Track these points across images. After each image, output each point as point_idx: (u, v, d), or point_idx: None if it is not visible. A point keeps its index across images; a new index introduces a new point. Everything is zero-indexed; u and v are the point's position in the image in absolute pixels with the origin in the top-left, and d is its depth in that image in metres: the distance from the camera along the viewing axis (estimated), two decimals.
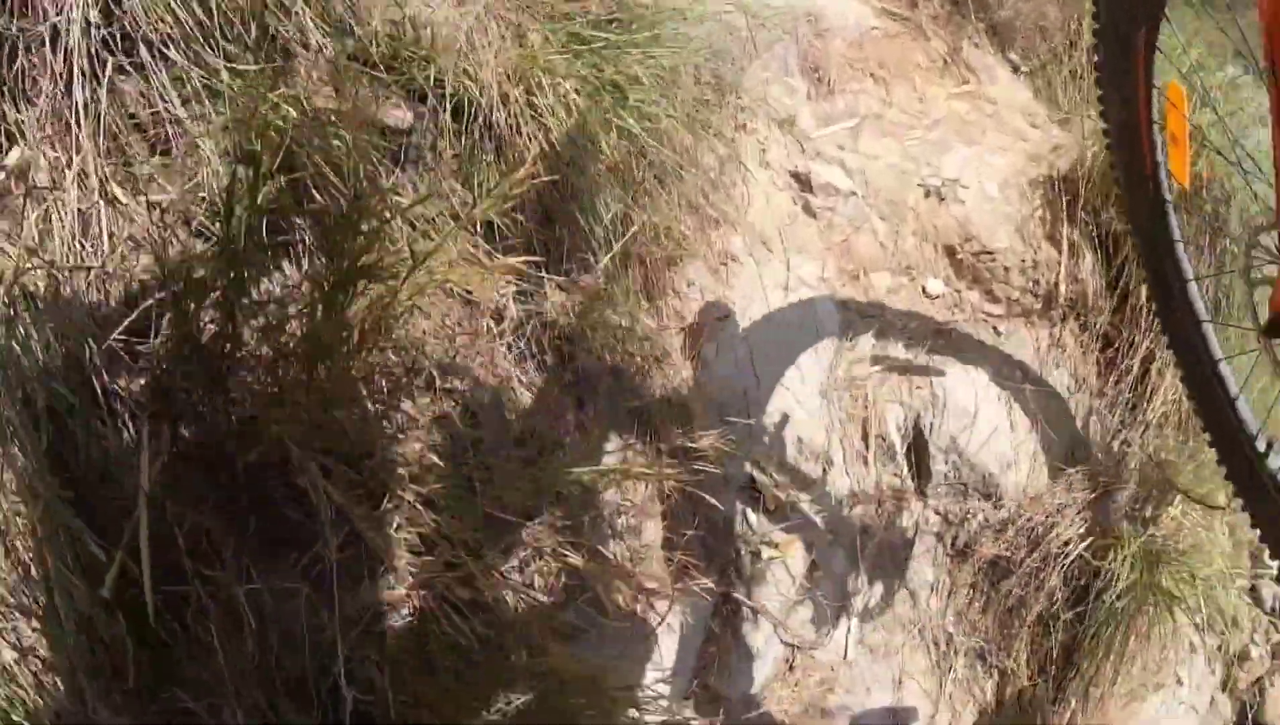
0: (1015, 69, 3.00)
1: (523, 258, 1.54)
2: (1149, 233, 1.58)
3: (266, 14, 1.38)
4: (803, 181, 2.34)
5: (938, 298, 2.26)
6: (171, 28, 1.28)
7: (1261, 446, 1.39)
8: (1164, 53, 1.37)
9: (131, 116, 1.33)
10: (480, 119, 1.61)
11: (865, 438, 2.09)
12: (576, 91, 1.70)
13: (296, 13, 1.41)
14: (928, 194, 2.41)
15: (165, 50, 1.30)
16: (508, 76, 1.64)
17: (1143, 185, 1.50)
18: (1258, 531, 1.42)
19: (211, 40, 1.32)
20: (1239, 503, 1.48)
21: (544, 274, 1.71)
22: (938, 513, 2.13)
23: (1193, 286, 1.54)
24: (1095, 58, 1.48)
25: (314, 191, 1.37)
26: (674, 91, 1.98)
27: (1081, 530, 2.09)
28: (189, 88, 1.33)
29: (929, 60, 2.87)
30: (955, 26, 3.00)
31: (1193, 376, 1.60)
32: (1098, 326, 2.30)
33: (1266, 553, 1.40)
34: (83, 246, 1.22)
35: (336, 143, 1.38)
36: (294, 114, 1.32)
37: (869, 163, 2.46)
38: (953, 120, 2.69)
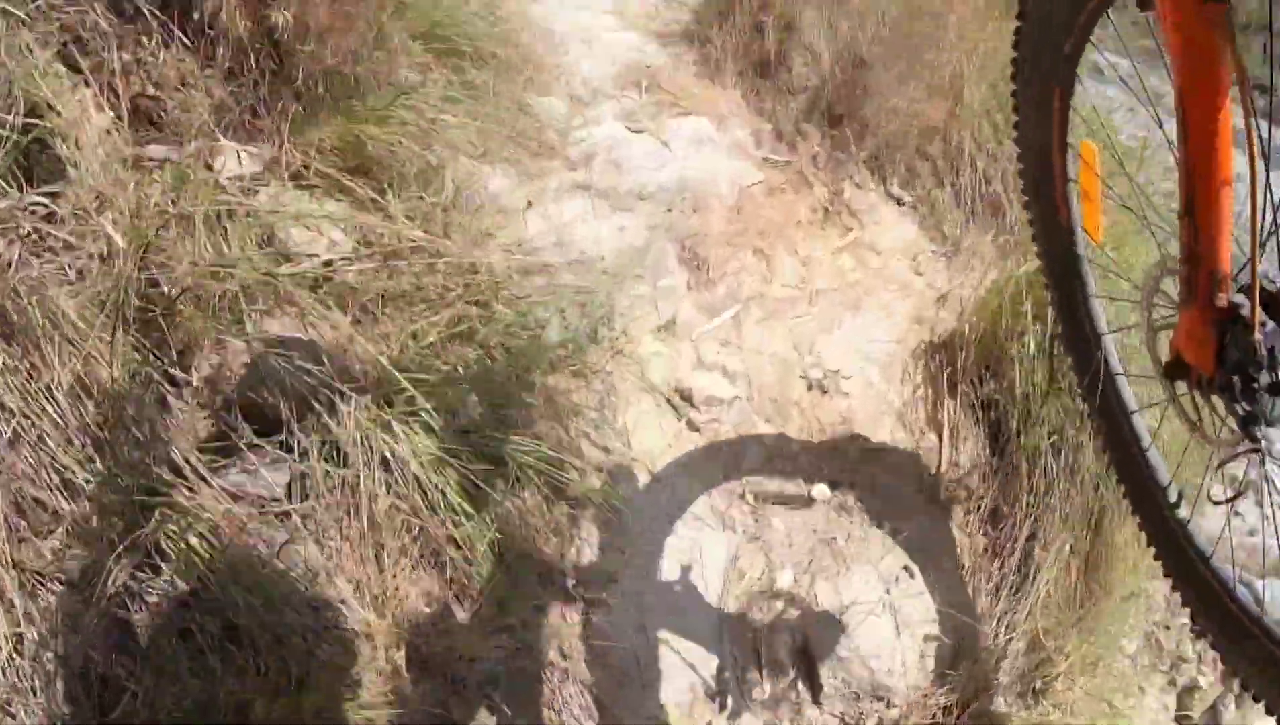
0: (899, 202, 3.02)
1: None
2: (1066, 288, 1.63)
3: None
4: (684, 396, 2.38)
5: (825, 502, 2.32)
6: None
7: (1173, 497, 1.45)
8: (1077, 111, 1.42)
9: None
10: None
11: (759, 666, 2.17)
12: None
13: None
14: (810, 387, 2.46)
15: None
16: None
17: (1059, 242, 1.56)
18: (1170, 583, 1.47)
19: None
20: (1152, 553, 1.53)
21: None
22: (834, 715, 2.23)
23: (1108, 340, 1.60)
24: (1014, 127, 1.54)
25: None
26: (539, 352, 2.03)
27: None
28: None
29: (811, 212, 2.89)
30: (836, 164, 3.01)
31: (1109, 431, 1.64)
32: (983, 508, 2.38)
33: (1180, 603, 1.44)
34: None
35: None
36: None
37: (752, 358, 2.50)
38: (837, 284, 2.73)
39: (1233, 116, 1.02)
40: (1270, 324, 0.99)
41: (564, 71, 2.90)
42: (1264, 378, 1.00)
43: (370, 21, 2.22)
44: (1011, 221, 2.98)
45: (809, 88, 3.07)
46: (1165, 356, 1.20)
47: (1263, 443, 1.04)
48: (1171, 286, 1.19)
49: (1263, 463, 1.09)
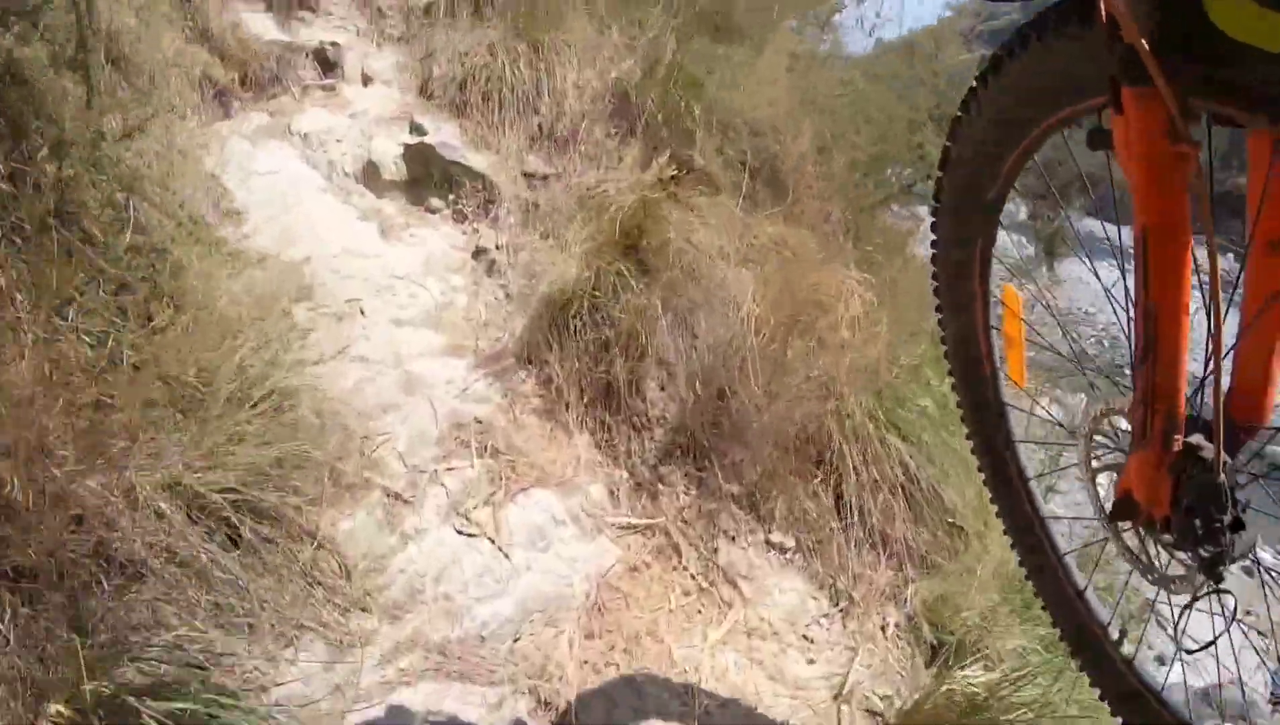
0: (781, 550, 2.64)
1: None
2: (989, 436, 1.60)
3: None
4: None
5: None
6: None
7: (1115, 634, 1.43)
8: (999, 259, 1.42)
9: None
10: None
11: None
12: None
13: None
14: None
15: None
16: None
17: (982, 389, 1.54)
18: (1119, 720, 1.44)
19: None
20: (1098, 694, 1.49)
21: None
22: None
23: (1034, 484, 1.58)
24: (933, 278, 1.52)
25: None
26: None
27: None
28: None
29: (683, 592, 2.47)
30: (706, 517, 2.61)
31: (1039, 574, 1.60)
32: None
33: None
34: None
35: None
36: None
37: None
38: (720, 684, 2.32)
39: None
40: (1227, 462, 0.99)
41: (379, 454, 2.41)
42: (1226, 517, 0.99)
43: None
44: (901, 553, 2.67)
45: (667, 419, 2.66)
46: (1105, 498, 1.21)
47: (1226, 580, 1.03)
48: (1109, 429, 1.20)
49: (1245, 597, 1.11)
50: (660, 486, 2.57)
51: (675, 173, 2.55)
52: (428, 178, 3.39)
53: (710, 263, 2.68)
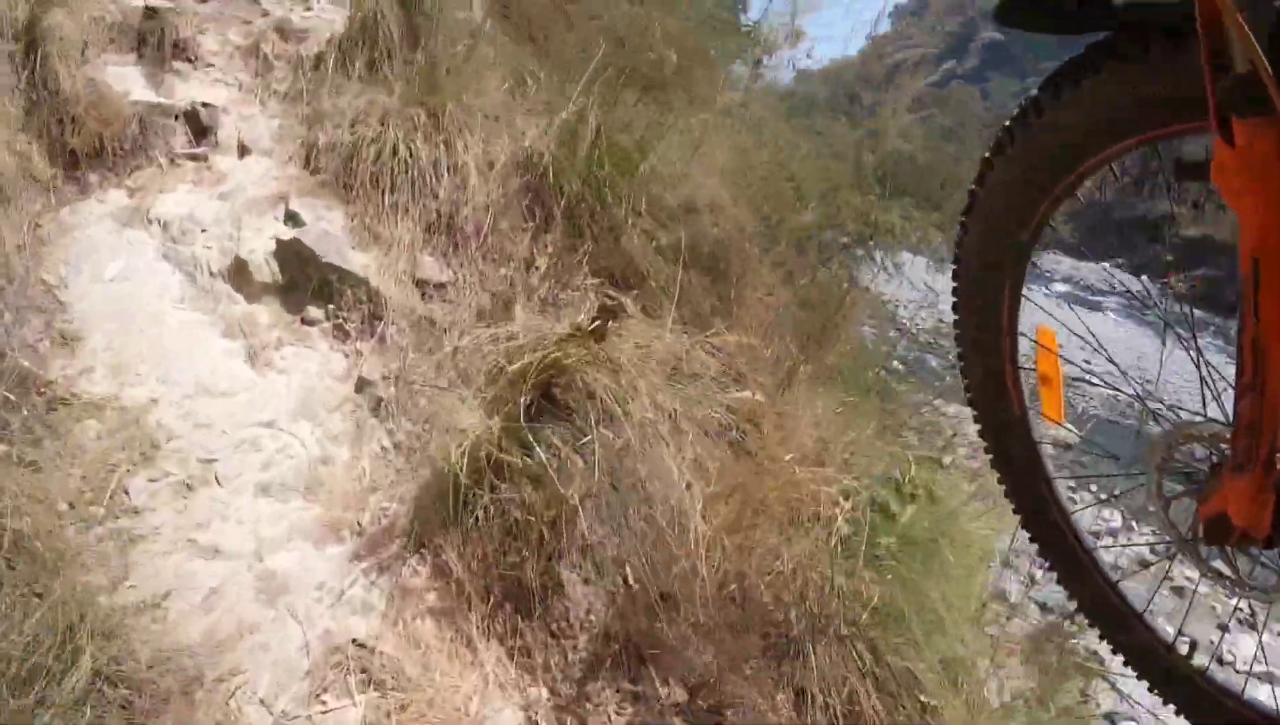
0: None
1: None
2: (1023, 476, 1.58)
3: None
4: None
5: None
6: None
7: (1184, 650, 1.45)
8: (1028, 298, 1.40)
9: None
10: None
11: None
12: None
13: None
14: None
15: None
16: None
17: (1012, 430, 1.52)
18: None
19: None
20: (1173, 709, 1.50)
21: None
22: None
23: (1076, 518, 1.56)
24: (955, 326, 1.49)
25: None
26: None
27: None
28: None
29: None
30: None
31: (1091, 602, 1.59)
32: None
33: None
34: None
35: None
36: None
37: None
38: None
39: None
40: None
41: (235, 703, 1.90)
42: None
43: None
44: None
45: (593, 621, 2.19)
46: (1187, 523, 1.23)
47: None
48: (1192, 452, 1.21)
49: None
50: (587, 707, 2.09)
51: (599, 321, 2.04)
52: (305, 281, 2.84)
53: (643, 421, 2.18)
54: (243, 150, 3.41)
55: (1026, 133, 1.16)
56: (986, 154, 1.24)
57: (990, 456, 1.63)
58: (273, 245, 2.97)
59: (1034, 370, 1.50)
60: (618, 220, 3.09)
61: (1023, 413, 1.51)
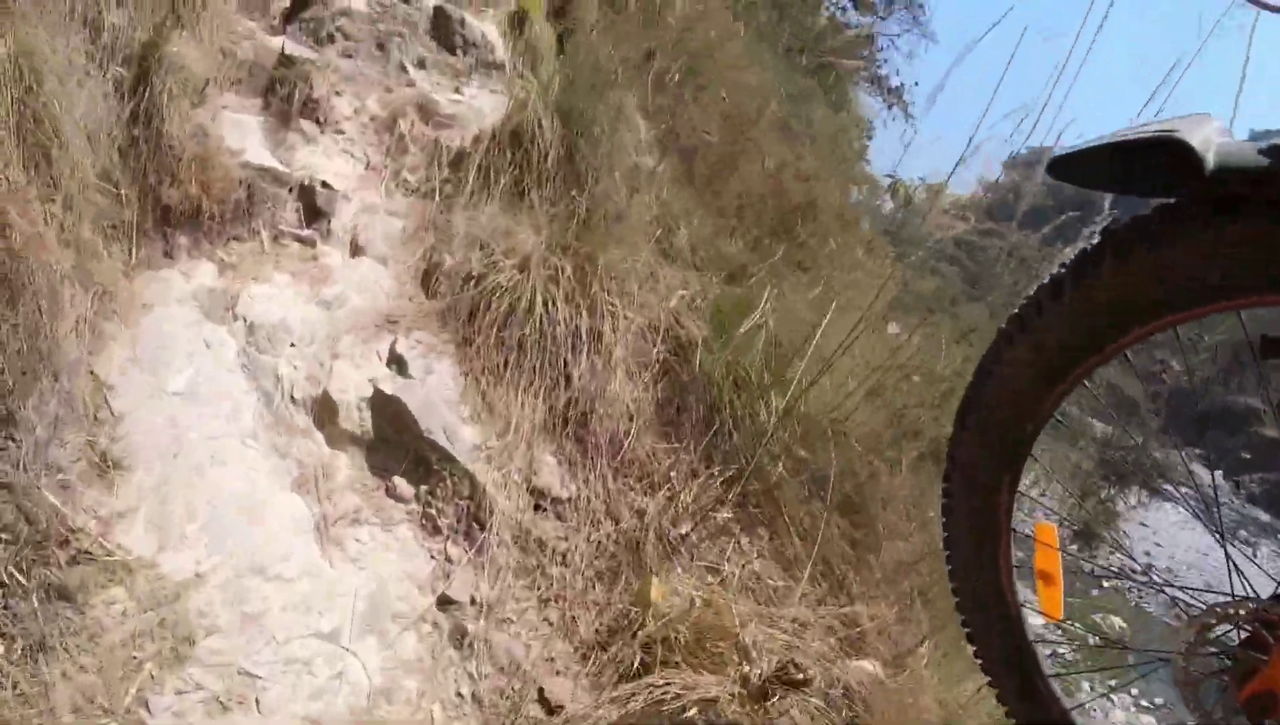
0: None
1: None
2: (1016, 675, 1.47)
3: None
4: None
5: None
6: None
7: None
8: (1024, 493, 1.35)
9: None
10: None
11: None
12: None
13: None
14: None
15: None
16: None
17: (1005, 631, 1.43)
18: None
19: None
20: None
21: None
22: None
23: (1073, 714, 1.46)
24: (944, 528, 1.41)
25: None
26: None
27: None
28: None
29: None
30: None
31: None
32: None
33: None
34: None
35: None
36: None
37: None
38: None
39: None
40: None
41: None
42: None
43: None
44: None
45: None
46: (1223, 699, 1.18)
47: None
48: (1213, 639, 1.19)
49: None
50: None
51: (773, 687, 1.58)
52: (399, 445, 2.40)
53: None
54: (356, 248, 2.98)
55: (1057, 305, 1.03)
56: (1005, 326, 1.11)
57: (982, 664, 1.53)
58: (369, 391, 2.53)
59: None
60: (764, 430, 2.65)
61: (1017, 613, 1.43)
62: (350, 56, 3.42)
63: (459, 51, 3.63)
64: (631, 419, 2.45)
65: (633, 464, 2.43)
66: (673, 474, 2.45)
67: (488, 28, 3.74)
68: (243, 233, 2.95)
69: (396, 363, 2.57)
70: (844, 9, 9.58)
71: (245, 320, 2.66)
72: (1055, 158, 0.95)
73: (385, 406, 2.47)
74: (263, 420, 2.51)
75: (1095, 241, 0.99)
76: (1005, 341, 1.13)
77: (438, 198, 3.14)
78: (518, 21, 3.85)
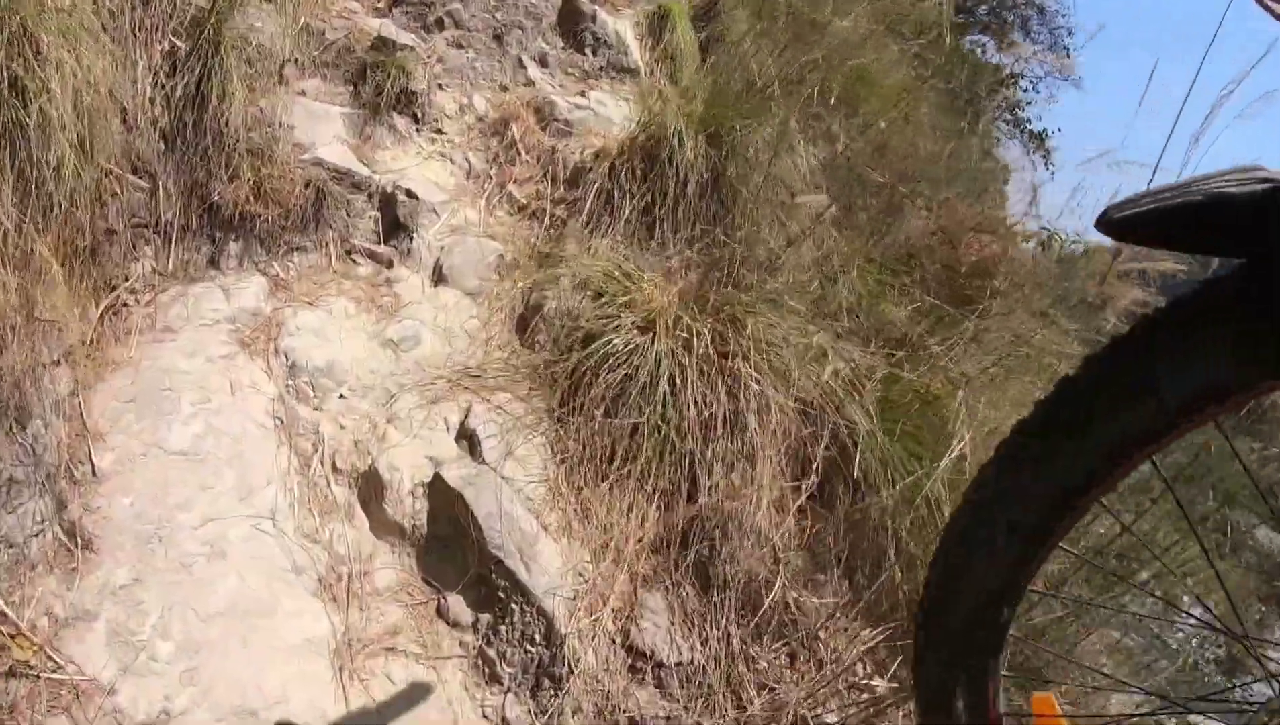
0: None
1: None
2: None
3: None
4: None
5: None
6: None
7: None
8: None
9: None
10: None
11: None
12: None
13: None
14: None
15: None
16: None
17: None
18: None
19: None
20: None
21: None
22: None
23: None
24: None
25: None
26: None
27: None
28: None
29: None
30: None
31: None
32: None
33: None
34: None
35: None
36: None
37: None
38: None
39: None
40: None
41: None
42: None
43: None
44: None
45: None
46: None
47: None
48: None
49: None
50: None
51: None
52: (458, 551, 1.74)
53: None
54: (439, 275, 2.38)
55: (1077, 399, 0.78)
56: (1020, 431, 0.81)
57: None
58: (428, 473, 1.89)
59: None
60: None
61: None
62: (460, 47, 2.84)
63: (588, 51, 3.03)
64: (777, 559, 1.74)
65: (769, 617, 1.72)
66: (821, 633, 1.73)
67: (623, 27, 3.14)
68: (306, 243, 2.38)
69: (468, 439, 1.93)
70: (983, 46, 8.70)
71: (287, 357, 2.07)
72: (1107, 213, 0.73)
73: (446, 499, 1.83)
74: (292, 492, 1.90)
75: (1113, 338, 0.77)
76: (1005, 461, 0.86)
77: (547, 220, 2.51)
78: (658, 23, 3.23)
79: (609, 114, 2.81)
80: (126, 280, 2.12)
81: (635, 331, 2.02)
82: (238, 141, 2.30)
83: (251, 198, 2.30)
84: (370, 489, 1.94)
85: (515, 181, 2.60)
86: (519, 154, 2.66)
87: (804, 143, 2.52)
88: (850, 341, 2.40)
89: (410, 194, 2.41)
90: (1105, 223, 0.74)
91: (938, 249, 3.13)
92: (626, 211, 2.39)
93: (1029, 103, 7.46)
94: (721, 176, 2.41)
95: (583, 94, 2.88)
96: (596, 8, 3.07)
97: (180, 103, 2.29)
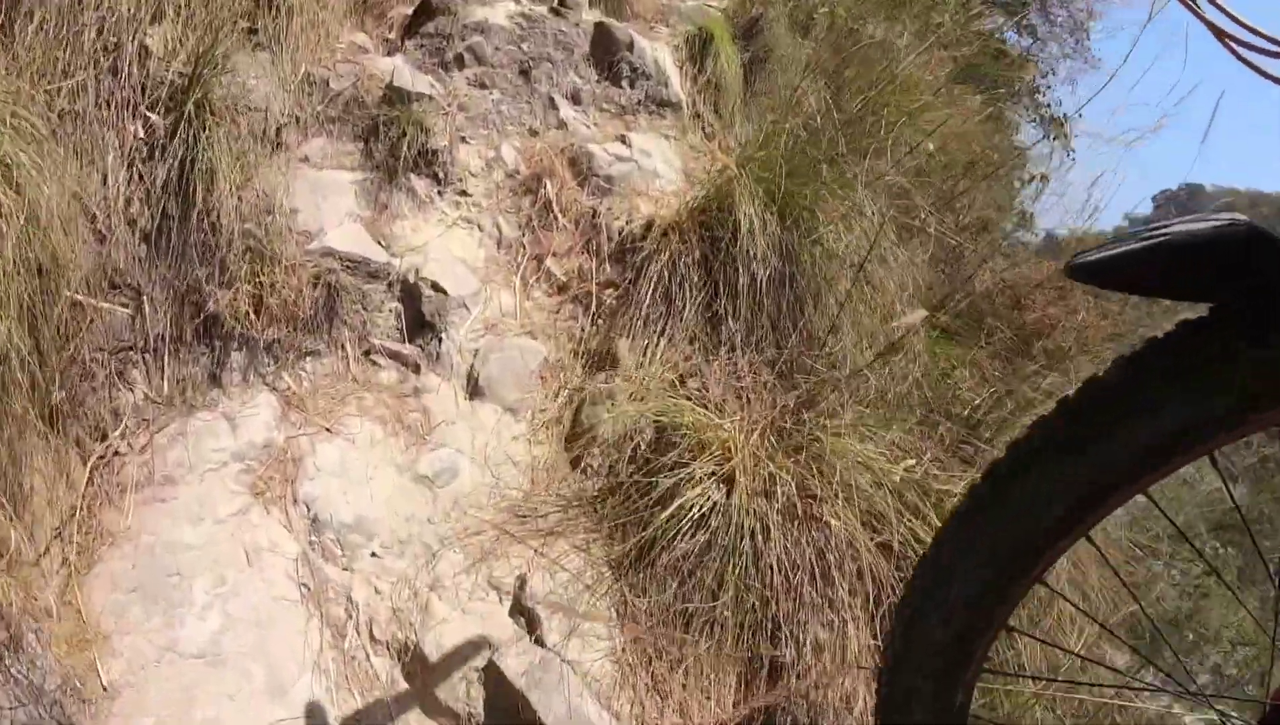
0: None
1: None
2: None
3: None
4: None
5: None
6: None
7: None
8: None
9: None
10: None
11: None
12: None
13: None
14: None
15: None
16: None
17: None
18: None
19: None
20: None
21: None
22: None
23: None
24: None
25: None
26: None
27: None
28: None
29: None
30: None
31: None
32: None
33: None
34: None
35: None
36: None
37: None
38: None
39: None
40: None
41: None
42: None
43: None
44: None
45: None
46: None
47: None
48: None
49: None
50: None
51: None
52: None
53: None
54: (474, 385, 2.09)
55: (1069, 433, 0.75)
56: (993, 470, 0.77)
57: None
58: (480, 658, 1.65)
59: None
60: None
61: None
62: (484, 86, 2.49)
63: (624, 83, 2.68)
64: None
65: None
66: None
67: (661, 54, 2.78)
68: (319, 347, 2.09)
69: (525, 615, 1.67)
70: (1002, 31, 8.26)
71: (308, 508, 1.80)
72: (1077, 260, 0.71)
73: (506, 693, 1.59)
74: (327, 673, 1.66)
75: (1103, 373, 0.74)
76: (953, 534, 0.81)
77: (593, 305, 2.22)
78: (698, 47, 2.87)
79: (654, 165, 2.49)
80: (118, 417, 1.83)
81: (710, 481, 1.75)
82: (232, 240, 1.98)
83: (252, 311, 2.00)
84: (416, 666, 1.70)
85: (553, 254, 2.29)
86: (555, 218, 2.35)
87: (896, 247, 2.21)
88: (919, 430, 2.14)
89: (436, 287, 2.11)
90: (1075, 269, 0.72)
91: (1005, 313, 2.85)
92: (684, 305, 2.09)
93: (1048, 87, 7.06)
94: (795, 263, 2.11)
95: (622, 139, 2.54)
96: (632, 33, 2.70)
97: (162, 196, 1.97)
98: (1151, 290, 0.79)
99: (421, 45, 2.48)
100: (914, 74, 3.24)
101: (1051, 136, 6.60)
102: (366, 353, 2.13)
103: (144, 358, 1.91)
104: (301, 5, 2.35)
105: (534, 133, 2.51)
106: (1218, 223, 0.69)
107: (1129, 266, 0.71)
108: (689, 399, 1.98)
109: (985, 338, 2.73)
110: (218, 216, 1.99)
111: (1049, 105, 7.13)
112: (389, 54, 2.47)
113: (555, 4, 2.69)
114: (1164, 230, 0.70)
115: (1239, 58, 0.86)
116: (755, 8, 3.15)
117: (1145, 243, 0.69)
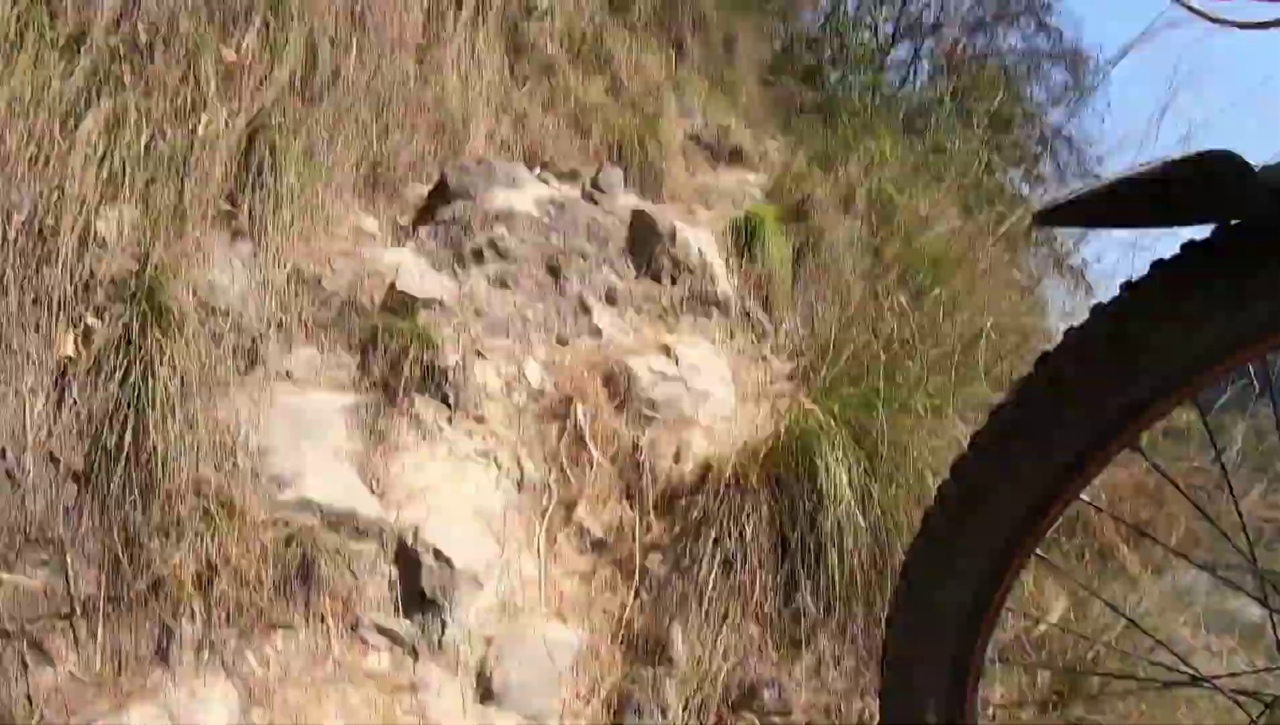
0: None
1: None
2: None
3: None
4: None
5: None
6: None
7: None
8: None
9: None
10: None
11: None
12: None
13: None
14: None
15: None
16: None
17: None
18: None
19: None
20: None
21: None
22: None
23: None
24: None
25: None
26: None
27: None
28: None
29: None
30: None
31: None
32: None
33: None
34: None
35: None
36: None
37: None
38: None
39: None
40: None
41: None
42: None
43: None
44: None
45: None
46: None
47: None
48: None
49: None
50: None
51: None
52: None
53: None
54: (486, 687, 1.62)
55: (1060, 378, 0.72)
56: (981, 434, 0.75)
57: None
58: None
59: None
60: None
61: None
62: (505, 286, 2.12)
63: (665, 278, 2.32)
64: None
65: None
66: None
67: (705, 244, 2.44)
68: (291, 618, 1.62)
69: None
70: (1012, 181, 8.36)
71: None
72: (1048, 206, 0.74)
73: None
74: None
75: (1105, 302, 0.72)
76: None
77: (636, 573, 1.77)
78: (745, 235, 2.54)
79: (703, 384, 2.10)
80: (31, 704, 1.35)
81: None
82: (184, 489, 1.54)
83: (207, 573, 1.54)
84: None
85: (586, 500, 1.86)
86: (588, 453, 1.93)
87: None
88: None
89: (440, 555, 1.67)
90: (1042, 218, 0.74)
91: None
92: (753, 586, 1.66)
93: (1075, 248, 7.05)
94: (892, 524, 1.70)
95: (666, 350, 2.16)
96: (675, 221, 2.36)
97: (100, 425, 1.54)
98: (1136, 219, 0.75)
99: (436, 234, 2.12)
100: (963, 250, 2.95)
101: (1072, 288, 6.42)
102: (353, 627, 1.66)
103: (70, 624, 1.44)
104: (300, 184, 1.99)
105: (563, 342, 2.12)
106: (1199, 152, 0.66)
107: (1114, 200, 0.69)
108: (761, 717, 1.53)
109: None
110: (165, 455, 1.56)
111: (1065, 255, 7.00)
112: (398, 242, 2.11)
113: (588, 187, 2.35)
114: (1136, 170, 0.67)
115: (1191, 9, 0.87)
116: (803, 186, 2.87)
117: (1141, 172, 0.66)
